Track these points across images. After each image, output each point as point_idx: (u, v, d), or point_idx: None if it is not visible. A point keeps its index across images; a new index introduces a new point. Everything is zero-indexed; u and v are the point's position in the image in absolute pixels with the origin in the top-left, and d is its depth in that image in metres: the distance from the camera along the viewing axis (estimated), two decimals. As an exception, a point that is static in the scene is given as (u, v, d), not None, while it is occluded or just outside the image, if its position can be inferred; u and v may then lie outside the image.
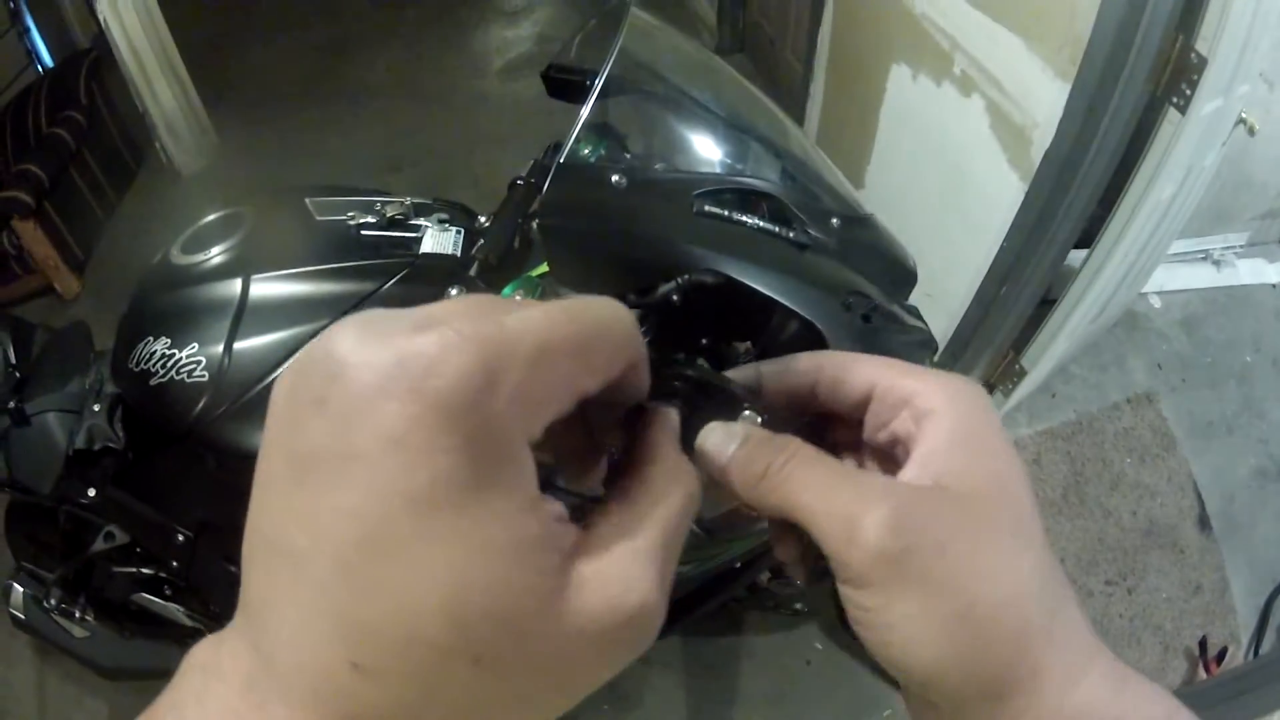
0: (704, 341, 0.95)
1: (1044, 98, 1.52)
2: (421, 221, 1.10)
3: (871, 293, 0.98)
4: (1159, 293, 2.31)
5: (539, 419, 0.20)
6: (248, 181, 3.30)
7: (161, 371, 0.98)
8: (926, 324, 1.05)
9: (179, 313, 1.01)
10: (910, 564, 0.25)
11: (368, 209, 1.11)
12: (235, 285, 1.00)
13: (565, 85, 1.12)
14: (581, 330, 0.21)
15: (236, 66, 4.02)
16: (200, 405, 0.97)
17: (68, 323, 1.47)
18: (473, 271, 0.97)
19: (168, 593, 1.41)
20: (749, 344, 0.97)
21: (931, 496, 0.26)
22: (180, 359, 0.97)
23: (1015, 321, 1.81)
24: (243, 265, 1.03)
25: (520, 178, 1.05)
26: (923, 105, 1.77)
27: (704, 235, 0.82)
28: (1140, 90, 1.44)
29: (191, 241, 1.10)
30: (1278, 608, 1.88)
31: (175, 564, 1.30)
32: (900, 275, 1.08)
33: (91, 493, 1.23)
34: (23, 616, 1.54)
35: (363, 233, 1.09)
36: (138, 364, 1.00)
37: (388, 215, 1.09)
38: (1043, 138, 1.54)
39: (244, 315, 0.99)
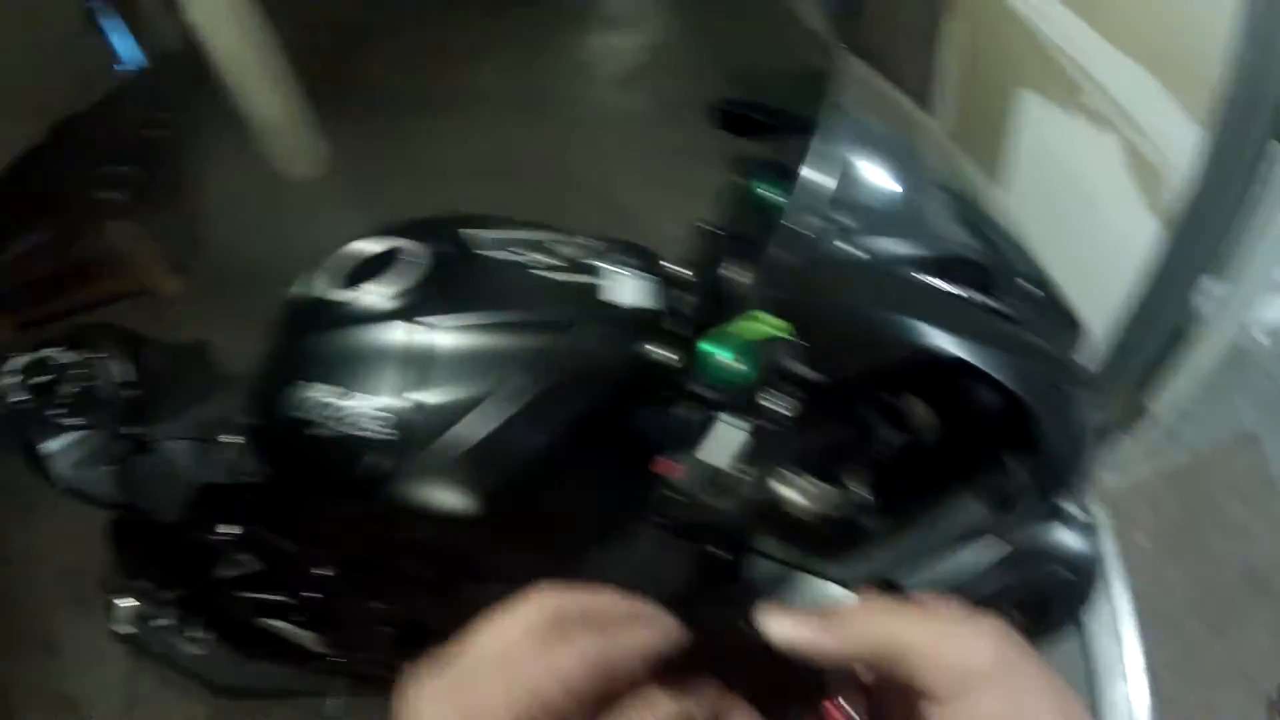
0: (882, 395, 0.89)
1: (1180, 138, 1.48)
2: (598, 263, 1.03)
3: (1067, 361, 0.94)
4: (1269, 330, 2.24)
5: None
6: (355, 189, 3.26)
7: (324, 421, 0.94)
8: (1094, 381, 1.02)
9: (342, 357, 0.96)
10: (999, 682, 0.31)
11: (535, 246, 1.05)
12: (405, 331, 0.96)
13: (735, 119, 1.07)
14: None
15: (337, 72, 3.93)
16: (370, 460, 0.93)
17: (182, 337, 1.45)
18: (676, 329, 0.91)
19: (298, 619, 1.39)
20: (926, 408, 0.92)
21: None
22: (349, 410, 0.93)
23: (1144, 360, 1.76)
24: (409, 307, 0.98)
25: (707, 224, 1.00)
26: (1051, 137, 1.71)
27: (931, 311, 0.78)
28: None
29: (340, 273, 1.06)
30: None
31: (309, 597, 1.28)
32: (1071, 332, 1.04)
33: (233, 529, 1.21)
34: (131, 631, 1.53)
35: (533, 273, 1.03)
36: (293, 409, 0.96)
37: (562, 255, 1.03)
38: (1178, 178, 1.49)
39: (418, 366, 0.94)
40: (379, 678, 1.44)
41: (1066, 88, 1.64)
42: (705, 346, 0.76)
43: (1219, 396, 2.16)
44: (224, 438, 1.21)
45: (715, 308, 0.92)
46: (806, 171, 0.78)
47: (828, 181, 0.79)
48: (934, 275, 0.82)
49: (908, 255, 0.81)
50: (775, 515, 0.75)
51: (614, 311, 0.96)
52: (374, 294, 1.01)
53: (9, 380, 1.37)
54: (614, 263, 1.03)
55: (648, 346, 0.88)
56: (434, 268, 1.03)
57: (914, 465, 0.83)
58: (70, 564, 2.53)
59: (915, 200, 0.87)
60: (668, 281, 1.01)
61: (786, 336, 0.72)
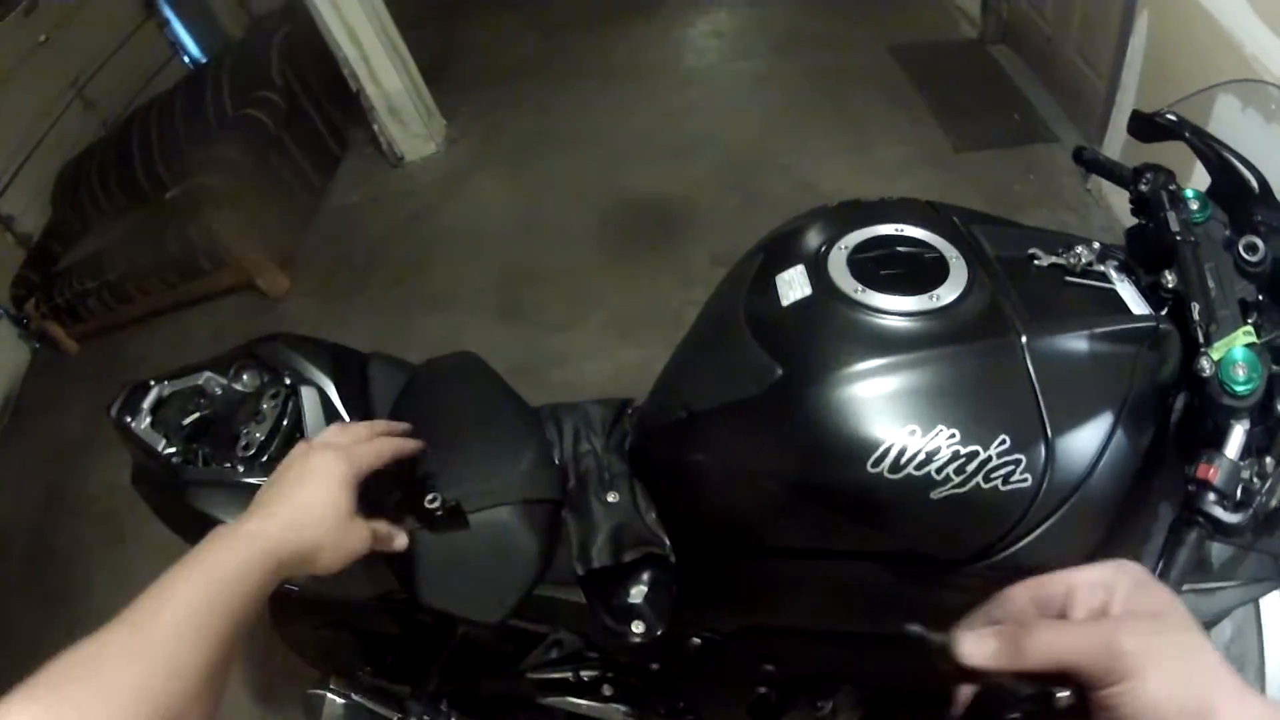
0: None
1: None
2: (1104, 269, 0.89)
3: None
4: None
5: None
6: (484, 171, 2.83)
7: (957, 479, 0.71)
8: None
9: (955, 391, 0.74)
10: (1146, 660, 0.36)
11: (1047, 248, 0.88)
12: (1013, 347, 0.75)
13: (1152, 126, 0.96)
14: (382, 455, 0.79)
15: (452, 44, 3.55)
16: (1012, 520, 0.72)
17: (452, 354, 1.08)
18: (1203, 341, 0.79)
19: (607, 692, 1.10)
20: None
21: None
22: (990, 460, 0.71)
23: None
24: (1000, 318, 0.78)
25: (1186, 235, 0.86)
26: (1249, 137, 1.73)
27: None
28: None
29: (843, 265, 0.83)
30: None
31: (658, 666, 1.00)
32: None
33: (640, 629, 0.90)
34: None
35: (1068, 279, 0.86)
36: (895, 467, 0.72)
37: (1082, 260, 0.87)
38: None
39: (1043, 391, 0.74)
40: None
41: (1267, 97, 1.65)
42: (1234, 353, 0.74)
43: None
44: (608, 496, 0.91)
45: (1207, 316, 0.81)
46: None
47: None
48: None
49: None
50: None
51: (1151, 321, 0.82)
52: (952, 308, 0.80)
53: (147, 420, 0.97)
54: (1110, 266, 0.90)
55: (1200, 356, 0.77)
56: (975, 268, 0.84)
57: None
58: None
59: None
60: (1176, 295, 0.89)
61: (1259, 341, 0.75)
